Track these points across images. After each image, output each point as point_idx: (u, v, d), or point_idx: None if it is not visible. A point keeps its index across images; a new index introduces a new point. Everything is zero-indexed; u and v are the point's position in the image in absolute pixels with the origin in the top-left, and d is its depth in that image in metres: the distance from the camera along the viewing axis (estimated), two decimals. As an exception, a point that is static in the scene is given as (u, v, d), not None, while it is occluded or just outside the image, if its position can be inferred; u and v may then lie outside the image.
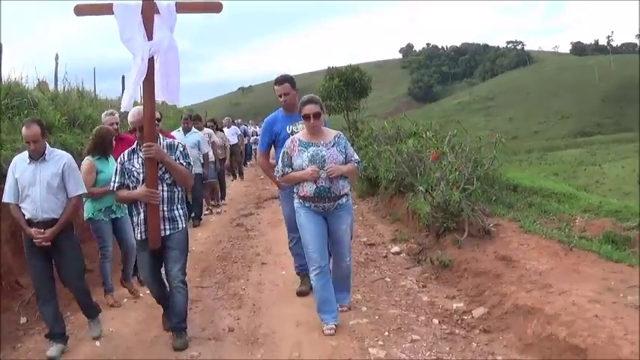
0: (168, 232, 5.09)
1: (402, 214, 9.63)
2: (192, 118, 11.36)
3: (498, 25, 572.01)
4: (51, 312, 5.15)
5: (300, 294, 6.20)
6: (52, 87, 13.15)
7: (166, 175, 5.10)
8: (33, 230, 5.01)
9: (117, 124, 7.14)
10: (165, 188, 5.09)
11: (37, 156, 5.09)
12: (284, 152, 5.39)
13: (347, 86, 19.82)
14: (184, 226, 5.25)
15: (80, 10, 5.21)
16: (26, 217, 5.08)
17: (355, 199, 12.38)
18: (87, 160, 6.27)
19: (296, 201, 5.41)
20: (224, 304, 6.19)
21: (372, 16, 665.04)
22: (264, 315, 5.82)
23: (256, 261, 7.88)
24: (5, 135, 7.67)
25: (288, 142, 5.44)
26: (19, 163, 5.18)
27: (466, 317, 5.49)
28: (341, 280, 5.60)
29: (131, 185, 5.13)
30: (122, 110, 5.46)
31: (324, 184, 5.15)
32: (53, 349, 5.03)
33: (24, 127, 5.08)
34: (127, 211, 5.98)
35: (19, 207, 5.13)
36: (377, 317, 5.48)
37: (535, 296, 5.21)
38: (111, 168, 5.90)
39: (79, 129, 10.33)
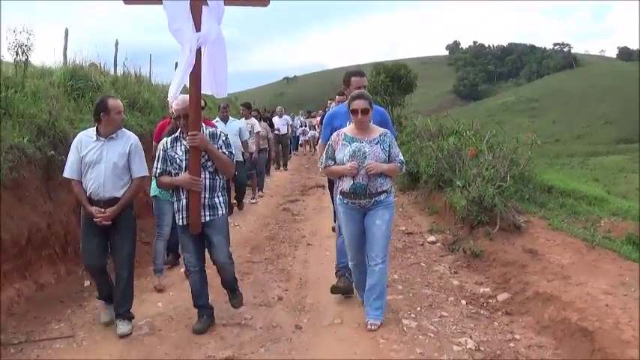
0: (208, 219, 5.15)
1: (439, 208, 10.23)
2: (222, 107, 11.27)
3: (546, 25, 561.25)
4: (103, 281, 5.35)
5: (333, 290, 6.06)
6: (112, 71, 13.99)
7: (209, 163, 5.17)
8: (94, 209, 5.04)
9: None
10: (208, 176, 5.16)
11: (108, 132, 5.13)
12: (329, 145, 5.41)
13: (393, 82, 20.38)
14: (224, 212, 5.30)
15: (129, 0, 5.35)
16: (88, 194, 5.11)
17: (396, 192, 12.93)
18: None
19: (337, 198, 5.47)
20: (273, 278, 6.90)
21: (419, 11, 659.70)
22: (309, 288, 6.49)
23: (302, 242, 8.57)
24: (73, 115, 8.35)
25: (334, 135, 5.44)
26: (85, 140, 5.17)
27: (491, 301, 6.10)
28: (374, 291, 5.23)
29: (173, 172, 5.19)
30: (169, 99, 5.47)
31: (361, 180, 5.13)
32: (108, 314, 5.36)
33: (111, 99, 5.16)
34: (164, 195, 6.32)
35: (81, 183, 5.16)
36: (411, 295, 6.12)
37: (555, 286, 5.80)
38: None
39: (138, 112, 11.06)
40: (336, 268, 6.24)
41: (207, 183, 5.15)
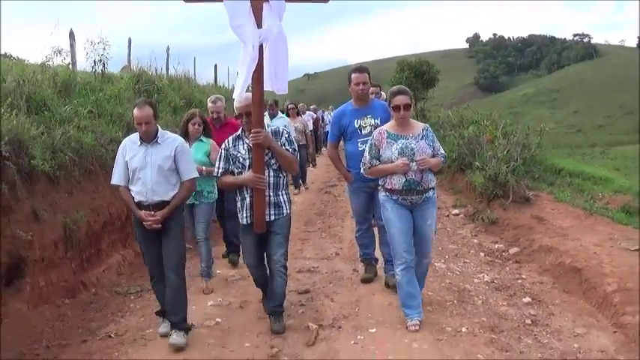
0: (273, 218, 5.13)
1: (461, 187, 11.76)
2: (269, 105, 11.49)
3: (565, 16, 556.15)
4: (163, 290, 5.17)
5: (365, 281, 6.45)
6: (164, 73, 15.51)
7: (272, 161, 5.12)
8: (143, 213, 4.97)
9: (217, 112, 7.34)
10: (272, 174, 5.13)
11: (148, 138, 5.01)
12: (372, 144, 5.30)
13: (416, 77, 21.86)
14: (289, 211, 5.27)
15: None
16: (136, 200, 5.03)
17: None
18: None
19: (382, 194, 5.31)
20: (328, 241, 8.53)
21: (439, 5, 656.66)
22: (359, 247, 8.08)
23: (347, 216, 10.08)
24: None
25: (375, 134, 5.33)
26: (129, 146, 5.09)
27: (504, 253, 7.64)
28: (418, 278, 5.42)
29: (236, 171, 5.17)
30: (235, 98, 5.27)
31: (414, 176, 5.06)
32: (165, 326, 5.21)
33: (136, 109, 4.98)
34: (201, 200, 6.43)
35: (129, 189, 5.10)
36: (440, 249, 7.69)
37: (555, 241, 7.29)
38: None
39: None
40: (361, 259, 6.71)
41: (272, 181, 5.13)
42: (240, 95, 5.14)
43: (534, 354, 4.62)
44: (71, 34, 10.25)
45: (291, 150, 5.19)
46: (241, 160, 5.14)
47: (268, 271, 5.27)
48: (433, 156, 5.20)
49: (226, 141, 5.29)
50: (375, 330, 5.15)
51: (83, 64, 10.97)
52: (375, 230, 6.46)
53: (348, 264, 7.24)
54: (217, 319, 5.56)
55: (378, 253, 6.59)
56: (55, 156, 6.47)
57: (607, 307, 5.43)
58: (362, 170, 5.47)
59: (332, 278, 6.73)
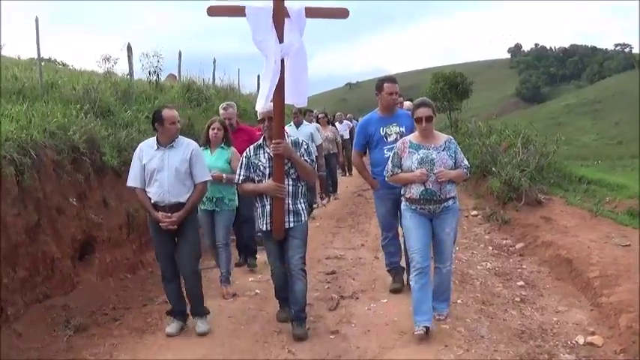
0: (292, 225, 5.31)
1: (483, 192, 12.65)
2: (301, 112, 11.00)
3: (606, 26, 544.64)
4: (174, 290, 5.50)
5: (394, 291, 6.47)
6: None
7: (292, 171, 5.32)
8: (160, 214, 5.22)
9: (229, 119, 7.42)
10: (291, 183, 5.32)
11: (168, 141, 5.29)
12: (395, 153, 5.42)
13: (450, 89, 22.76)
14: (306, 219, 5.49)
15: (213, 11, 5.38)
16: (153, 201, 5.28)
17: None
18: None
19: (403, 204, 5.43)
20: (356, 234, 9.61)
21: (480, 15, 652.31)
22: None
23: (375, 215, 11.17)
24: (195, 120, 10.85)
25: (399, 143, 5.44)
26: (146, 150, 5.35)
27: (511, 248, 8.58)
28: (441, 288, 5.52)
29: (256, 179, 5.38)
30: (258, 111, 5.47)
31: (431, 187, 5.14)
32: (173, 326, 5.46)
33: (166, 109, 5.33)
34: (222, 206, 6.61)
35: (144, 191, 5.35)
36: (452, 242, 8.68)
37: (556, 237, 8.17)
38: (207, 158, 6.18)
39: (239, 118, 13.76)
40: (388, 268, 6.71)
41: (291, 189, 5.32)
42: (264, 107, 5.30)
43: (515, 322, 5.58)
44: (129, 48, 11.41)
45: (309, 161, 5.38)
46: (262, 168, 5.35)
47: (288, 276, 5.40)
48: (455, 167, 5.29)
49: (248, 149, 5.50)
50: (386, 300, 6.22)
51: (139, 73, 12.25)
52: (402, 240, 6.42)
53: (371, 253, 8.29)
54: (257, 291, 6.68)
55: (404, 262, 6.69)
56: (120, 154, 7.66)
57: (588, 290, 6.30)
58: (385, 176, 5.62)
59: (355, 263, 7.81)
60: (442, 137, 5.41)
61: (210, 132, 6.68)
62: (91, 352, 5.10)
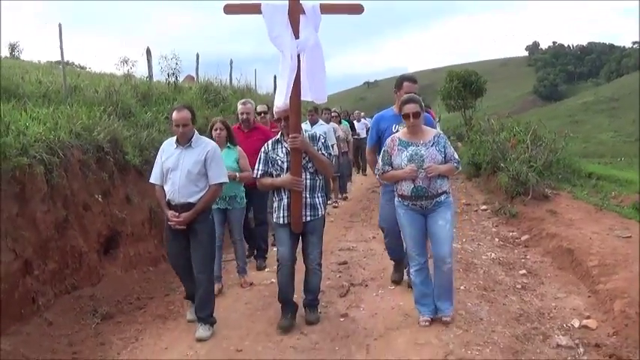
0: (309, 218, 5.39)
1: (493, 187, 12.99)
2: (317, 111, 11.15)
3: (624, 24, 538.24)
4: (188, 280, 5.56)
5: (395, 282, 6.74)
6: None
7: (309, 164, 5.38)
8: (170, 213, 5.27)
9: (247, 113, 7.63)
10: (308, 176, 5.38)
11: (184, 141, 5.29)
12: (384, 151, 5.44)
13: (464, 87, 23.04)
14: (323, 213, 5.55)
15: (230, 9, 5.41)
16: (167, 198, 5.32)
17: (463, 180, 16.00)
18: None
19: (396, 200, 5.46)
20: (369, 228, 9.94)
21: (498, 14, 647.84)
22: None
23: (388, 210, 11.56)
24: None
25: (388, 140, 5.46)
26: (167, 148, 5.41)
27: (517, 240, 8.90)
28: (443, 288, 5.42)
29: (274, 173, 5.44)
30: (275, 108, 5.46)
31: (421, 183, 5.15)
32: (193, 312, 5.60)
33: (175, 112, 5.29)
34: (234, 205, 6.68)
35: (163, 188, 5.40)
36: (460, 233, 9.01)
37: (560, 229, 8.49)
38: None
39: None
40: (390, 257, 6.90)
41: (308, 183, 5.39)
42: (284, 103, 5.30)
43: (515, 307, 5.91)
44: (148, 51, 11.86)
45: (326, 154, 5.45)
46: (280, 162, 5.41)
47: (305, 269, 5.57)
48: (445, 162, 5.27)
49: (266, 144, 5.54)
50: (393, 287, 6.59)
51: (157, 75, 12.65)
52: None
53: (382, 245, 8.51)
54: (272, 280, 7.00)
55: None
56: (142, 153, 8.07)
57: (587, 278, 6.61)
58: (376, 175, 5.78)
59: (366, 254, 8.19)
60: (431, 132, 5.40)
61: (213, 133, 6.61)
62: (118, 336, 5.52)
